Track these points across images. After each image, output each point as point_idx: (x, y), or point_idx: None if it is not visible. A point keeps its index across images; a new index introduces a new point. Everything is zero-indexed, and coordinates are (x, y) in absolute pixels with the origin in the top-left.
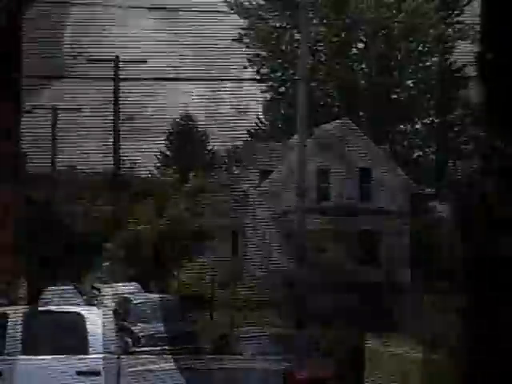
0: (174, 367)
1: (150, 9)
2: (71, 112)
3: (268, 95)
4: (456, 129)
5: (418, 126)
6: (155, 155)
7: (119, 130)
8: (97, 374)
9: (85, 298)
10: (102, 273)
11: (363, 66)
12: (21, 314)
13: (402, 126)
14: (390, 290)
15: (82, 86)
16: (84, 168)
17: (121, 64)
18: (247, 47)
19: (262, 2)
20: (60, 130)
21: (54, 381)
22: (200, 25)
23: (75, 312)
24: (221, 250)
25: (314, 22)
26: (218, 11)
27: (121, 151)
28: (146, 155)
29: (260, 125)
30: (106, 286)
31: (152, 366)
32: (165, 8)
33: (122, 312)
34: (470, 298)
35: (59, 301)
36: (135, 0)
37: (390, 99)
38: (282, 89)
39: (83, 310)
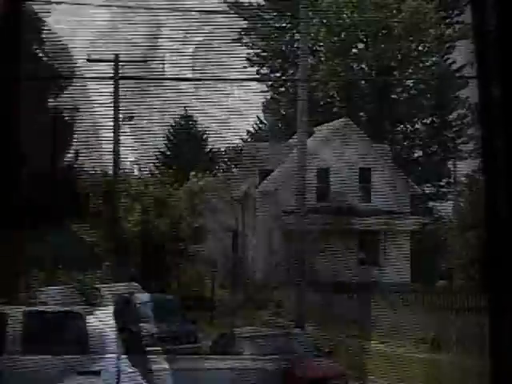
0: (173, 367)
1: (149, 9)
2: (71, 112)
3: (268, 95)
4: (456, 129)
5: (418, 126)
6: (155, 155)
7: (119, 130)
8: (97, 374)
9: (85, 298)
10: (101, 273)
11: (363, 66)
12: (21, 314)
13: (401, 126)
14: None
15: (82, 86)
16: (84, 168)
17: (121, 64)
18: (247, 47)
19: (262, 2)
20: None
21: (54, 381)
22: (200, 24)
23: (75, 312)
24: (221, 249)
25: (314, 22)
26: (218, 11)
27: (121, 151)
28: (145, 155)
29: (260, 125)
30: (105, 285)
31: (152, 366)
32: (164, 8)
33: (122, 312)
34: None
35: (59, 301)
36: (135, 0)
37: (390, 99)
38: (282, 89)
39: (83, 310)
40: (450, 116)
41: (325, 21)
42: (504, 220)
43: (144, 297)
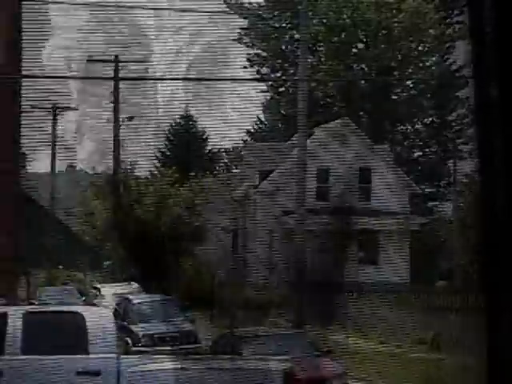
0: (174, 367)
1: (149, 9)
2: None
3: (268, 95)
4: (456, 129)
5: (418, 126)
6: (155, 155)
7: (119, 130)
8: (97, 374)
9: (85, 298)
10: (102, 273)
11: (363, 66)
12: (21, 314)
13: (402, 126)
14: None
15: (82, 86)
16: (84, 168)
17: (121, 64)
18: (247, 47)
19: (262, 2)
20: (60, 129)
21: (54, 381)
22: (200, 25)
23: (75, 312)
24: (221, 249)
25: (314, 22)
26: (218, 11)
27: (121, 151)
28: (145, 155)
29: (260, 125)
30: (105, 285)
31: (152, 366)
32: (164, 8)
33: (122, 312)
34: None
35: (59, 300)
36: (135, 1)
37: (390, 99)
38: (282, 89)
39: (83, 310)
40: (450, 116)
41: (325, 21)
42: (502, 220)
43: (144, 297)
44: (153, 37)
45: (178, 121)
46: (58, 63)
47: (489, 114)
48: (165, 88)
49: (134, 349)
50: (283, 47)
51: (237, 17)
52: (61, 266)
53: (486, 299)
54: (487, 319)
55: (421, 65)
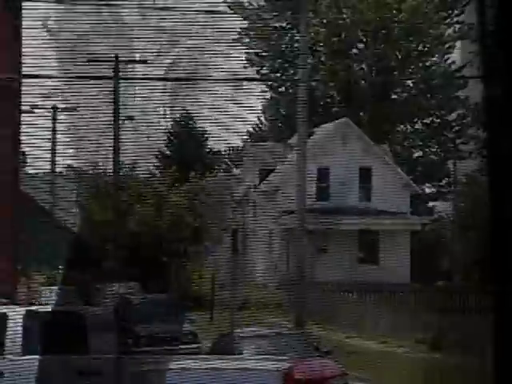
0: (173, 367)
1: (149, 9)
2: (71, 112)
3: (268, 95)
4: (456, 129)
5: (418, 126)
6: (155, 155)
7: (119, 130)
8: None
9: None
10: (102, 273)
11: (363, 66)
12: (21, 315)
13: (402, 126)
14: None
15: (82, 86)
16: (84, 168)
17: (121, 64)
18: (247, 47)
19: (262, 2)
20: (60, 129)
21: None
22: (200, 25)
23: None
24: (221, 249)
25: (314, 22)
26: (218, 11)
27: (121, 151)
28: (146, 155)
29: (260, 125)
30: (105, 285)
31: (152, 366)
32: (165, 8)
33: (122, 312)
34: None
35: (59, 301)
36: (135, 0)
37: (390, 99)
38: (282, 89)
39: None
40: (450, 116)
41: (325, 21)
42: (509, 220)
43: (144, 297)
44: (152, 37)
45: (178, 121)
46: (57, 63)
47: (496, 113)
48: (165, 88)
49: (134, 349)
50: (283, 47)
51: (237, 17)
52: (61, 267)
53: (492, 298)
54: (493, 318)
55: (421, 65)
